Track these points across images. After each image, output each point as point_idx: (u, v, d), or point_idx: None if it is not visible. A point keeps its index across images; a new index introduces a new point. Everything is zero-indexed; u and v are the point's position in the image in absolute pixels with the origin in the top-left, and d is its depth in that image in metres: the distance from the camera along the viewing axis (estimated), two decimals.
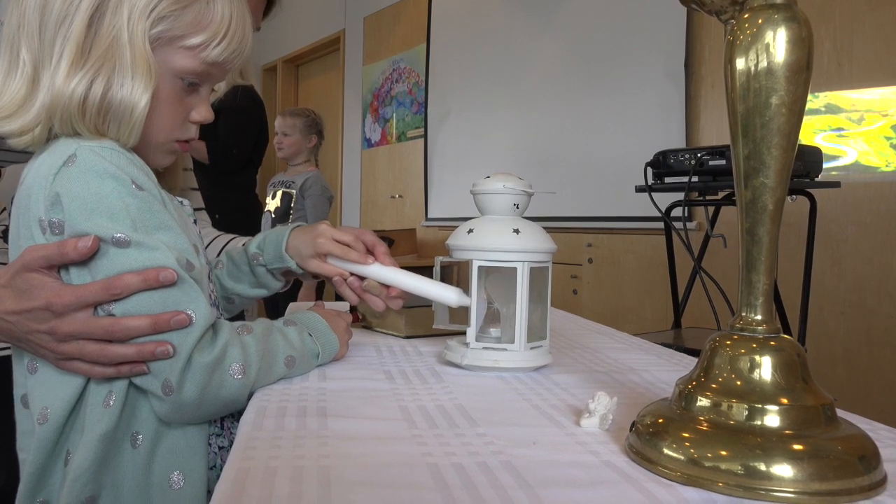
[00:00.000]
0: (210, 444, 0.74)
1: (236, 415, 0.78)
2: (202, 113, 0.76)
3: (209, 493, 0.72)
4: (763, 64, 0.51)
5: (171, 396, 0.65)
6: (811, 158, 1.70)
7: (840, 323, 2.25)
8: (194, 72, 0.72)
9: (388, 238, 3.61)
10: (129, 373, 0.65)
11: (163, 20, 0.68)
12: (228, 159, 2.74)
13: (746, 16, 0.53)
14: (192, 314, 0.64)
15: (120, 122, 0.68)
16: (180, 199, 0.79)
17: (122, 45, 0.66)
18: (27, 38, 0.67)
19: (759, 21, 0.52)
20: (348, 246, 0.87)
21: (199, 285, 0.67)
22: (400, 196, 4.50)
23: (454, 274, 0.92)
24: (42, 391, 0.67)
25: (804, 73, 0.52)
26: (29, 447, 0.68)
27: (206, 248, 1.04)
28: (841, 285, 2.25)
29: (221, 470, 0.76)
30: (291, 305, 1.40)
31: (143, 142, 0.72)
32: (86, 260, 0.64)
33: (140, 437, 0.68)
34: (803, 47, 0.52)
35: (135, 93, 0.67)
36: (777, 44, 0.51)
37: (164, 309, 0.63)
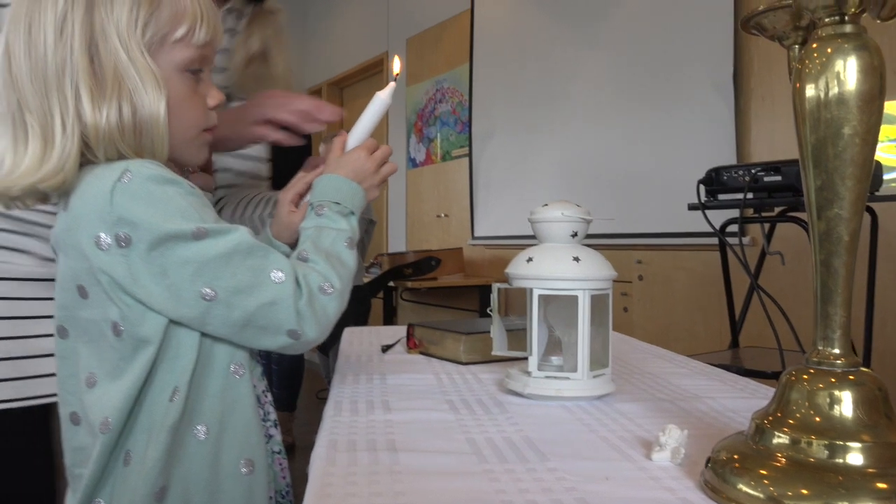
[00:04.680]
0: None
1: (259, 413, 0.78)
2: (216, 97, 0.80)
3: None
4: (834, 93, 0.51)
5: (301, 339, 0.71)
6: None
7: None
8: (194, 59, 0.76)
9: (435, 258, 3.63)
10: None
11: (147, 26, 0.72)
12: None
13: (815, 45, 0.52)
14: (282, 272, 0.70)
15: (153, 137, 0.72)
16: None
17: (125, 65, 0.70)
18: (28, 105, 0.70)
19: (829, 50, 0.51)
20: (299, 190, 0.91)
21: None
22: (446, 215, 4.52)
23: (504, 300, 0.93)
24: (102, 402, 0.70)
25: (877, 101, 0.51)
26: (85, 461, 0.71)
27: None
28: None
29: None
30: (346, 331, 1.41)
31: (177, 142, 0.76)
32: (164, 265, 0.66)
33: (204, 428, 0.71)
34: (875, 75, 0.51)
35: (153, 104, 0.71)
36: (848, 73, 0.50)
37: (255, 278, 0.69)
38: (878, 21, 0.51)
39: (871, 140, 0.51)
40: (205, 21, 0.75)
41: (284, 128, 0.97)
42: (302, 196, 0.90)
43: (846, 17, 0.51)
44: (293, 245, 0.91)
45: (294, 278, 0.71)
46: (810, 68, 0.52)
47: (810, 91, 0.51)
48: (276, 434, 0.81)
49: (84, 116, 0.69)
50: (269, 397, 0.81)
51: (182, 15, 0.74)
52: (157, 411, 0.69)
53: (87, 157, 0.71)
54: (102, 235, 0.67)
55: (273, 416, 0.81)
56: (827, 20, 0.52)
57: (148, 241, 0.66)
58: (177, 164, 0.82)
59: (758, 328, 1.99)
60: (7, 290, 0.92)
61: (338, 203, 0.82)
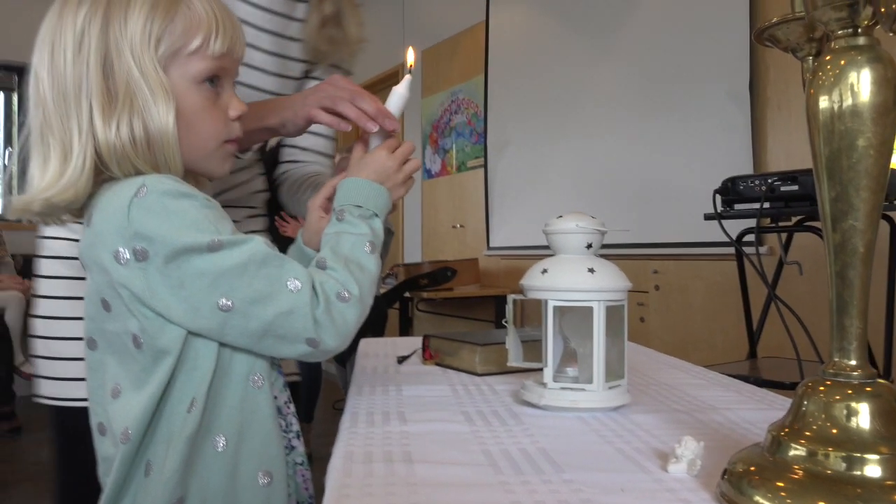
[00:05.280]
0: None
1: (281, 424, 0.79)
2: (237, 108, 0.80)
3: None
4: (848, 105, 0.51)
5: (320, 347, 0.72)
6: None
7: None
8: (210, 70, 0.76)
9: (451, 268, 3.63)
10: None
11: (161, 41, 0.73)
12: None
13: (828, 57, 0.52)
14: (298, 281, 0.70)
15: (164, 151, 0.72)
16: None
17: (137, 80, 0.71)
18: (51, 124, 0.72)
19: (842, 62, 0.51)
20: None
21: None
22: (461, 226, 4.53)
23: (519, 311, 0.93)
24: (124, 413, 0.71)
25: (891, 113, 0.51)
26: (111, 471, 0.72)
27: None
28: None
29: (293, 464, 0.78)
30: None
31: (197, 154, 0.77)
32: (181, 278, 0.67)
33: (223, 439, 0.72)
34: (889, 87, 0.51)
35: (161, 118, 0.72)
36: (861, 85, 0.50)
37: (271, 288, 0.69)
38: (891, 34, 0.51)
39: (885, 152, 0.51)
40: (220, 31, 0.76)
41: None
42: (332, 201, 0.89)
43: (859, 30, 0.51)
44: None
45: (311, 286, 0.71)
46: (824, 80, 0.52)
47: (824, 103, 0.51)
48: (299, 445, 0.81)
49: (96, 133, 0.70)
50: (292, 408, 0.81)
51: (197, 27, 0.74)
52: (176, 422, 0.70)
53: (105, 174, 0.72)
54: (121, 250, 0.68)
55: (296, 426, 0.81)
56: (840, 32, 0.52)
57: (164, 254, 0.67)
58: (203, 176, 0.83)
59: (777, 338, 1.97)
60: None
61: (359, 206, 0.82)
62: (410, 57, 0.95)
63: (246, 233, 1.28)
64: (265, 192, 1.29)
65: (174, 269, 0.67)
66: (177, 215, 0.68)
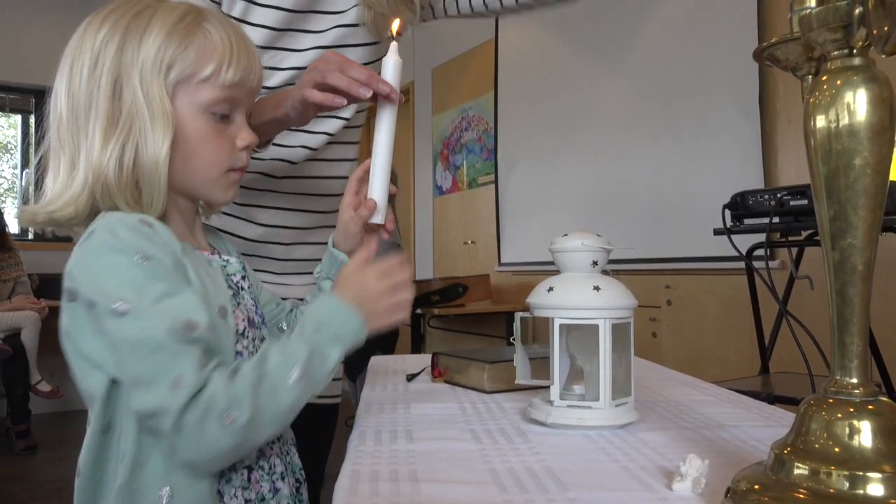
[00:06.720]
0: (236, 497, 0.73)
1: (264, 466, 0.77)
2: (246, 138, 0.79)
3: None
4: (844, 125, 0.51)
5: (177, 453, 0.67)
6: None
7: None
8: (219, 100, 0.76)
9: (462, 284, 3.64)
10: None
11: (172, 67, 0.73)
12: None
13: (825, 78, 0.53)
14: (185, 379, 0.64)
15: (151, 181, 0.72)
16: (225, 259, 0.82)
17: (140, 105, 0.71)
18: (63, 140, 0.74)
19: (838, 83, 0.52)
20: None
21: (212, 342, 0.69)
22: (472, 242, 4.54)
23: (529, 329, 0.94)
24: (84, 448, 0.72)
25: (888, 132, 0.52)
26: None
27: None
28: None
29: None
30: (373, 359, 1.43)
31: (200, 181, 0.77)
32: (103, 328, 0.67)
33: (167, 490, 0.69)
34: (885, 107, 0.51)
35: (157, 144, 0.72)
36: (857, 105, 0.51)
37: (154, 377, 0.65)
38: (883, 56, 0.51)
39: (882, 170, 0.51)
40: (234, 61, 0.75)
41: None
42: (357, 195, 0.90)
43: (854, 51, 0.52)
44: (350, 253, 0.91)
45: (193, 391, 0.64)
46: (820, 100, 0.52)
47: (821, 122, 0.52)
48: (284, 487, 0.79)
49: (92, 154, 0.72)
50: (277, 448, 0.80)
51: (210, 55, 0.74)
52: (112, 469, 0.70)
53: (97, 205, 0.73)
54: (68, 284, 0.70)
55: (280, 468, 0.80)
56: (836, 53, 0.52)
57: (85, 301, 0.68)
58: (205, 202, 0.84)
59: (790, 352, 1.96)
60: None
61: (318, 329, 0.73)
62: (395, 26, 0.92)
63: (319, 243, 1.18)
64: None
65: (94, 318, 0.68)
66: (103, 269, 0.68)
